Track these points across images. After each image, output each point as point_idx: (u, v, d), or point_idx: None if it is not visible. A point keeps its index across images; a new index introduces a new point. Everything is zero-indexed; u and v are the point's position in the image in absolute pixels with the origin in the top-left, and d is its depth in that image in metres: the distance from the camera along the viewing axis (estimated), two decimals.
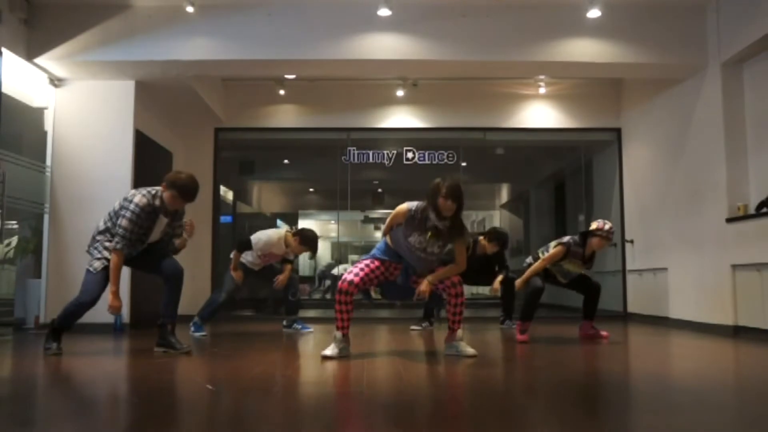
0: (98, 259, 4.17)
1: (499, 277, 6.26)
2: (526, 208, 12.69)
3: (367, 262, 4.00)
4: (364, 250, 14.85)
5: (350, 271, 3.95)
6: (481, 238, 6.31)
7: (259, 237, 5.71)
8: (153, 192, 4.19)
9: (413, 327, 6.31)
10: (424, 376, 3.51)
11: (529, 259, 5.31)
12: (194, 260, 7.62)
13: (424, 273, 3.99)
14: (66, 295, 4.58)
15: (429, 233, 3.81)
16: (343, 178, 8.45)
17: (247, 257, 5.77)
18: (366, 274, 3.94)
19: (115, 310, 4.15)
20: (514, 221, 12.72)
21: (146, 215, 4.15)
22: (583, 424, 2.31)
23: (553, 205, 11.10)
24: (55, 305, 4.44)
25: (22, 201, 5.88)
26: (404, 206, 3.89)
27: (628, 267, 7.87)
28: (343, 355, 3.96)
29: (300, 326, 6.01)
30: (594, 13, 5.91)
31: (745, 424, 2.42)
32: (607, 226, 4.98)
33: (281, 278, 5.81)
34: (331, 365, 3.76)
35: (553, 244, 5.16)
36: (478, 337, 5.66)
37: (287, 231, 5.84)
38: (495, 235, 6.33)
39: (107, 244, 4.18)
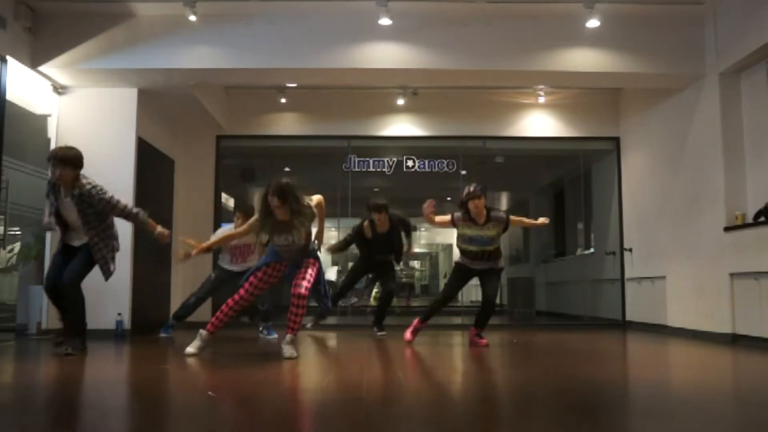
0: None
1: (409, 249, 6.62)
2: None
3: (252, 278, 4.42)
4: None
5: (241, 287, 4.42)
6: (373, 219, 6.28)
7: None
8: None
9: (380, 333, 6.28)
10: (423, 381, 3.53)
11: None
12: (195, 268, 7.64)
13: (295, 258, 4.44)
14: None
15: (290, 228, 4.28)
16: (344, 186, 8.48)
17: (225, 259, 6.07)
18: (250, 287, 4.40)
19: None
20: (513, 230, 12.71)
21: (50, 187, 4.47)
22: (581, 431, 2.33)
23: (553, 213, 11.13)
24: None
25: (24, 208, 5.92)
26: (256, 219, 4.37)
27: (627, 275, 7.89)
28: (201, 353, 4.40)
29: (266, 332, 6.10)
30: (593, 23, 5.96)
31: (742, 431, 2.45)
32: (472, 188, 5.20)
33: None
34: (329, 371, 3.78)
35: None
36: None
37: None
38: (369, 207, 6.30)
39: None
